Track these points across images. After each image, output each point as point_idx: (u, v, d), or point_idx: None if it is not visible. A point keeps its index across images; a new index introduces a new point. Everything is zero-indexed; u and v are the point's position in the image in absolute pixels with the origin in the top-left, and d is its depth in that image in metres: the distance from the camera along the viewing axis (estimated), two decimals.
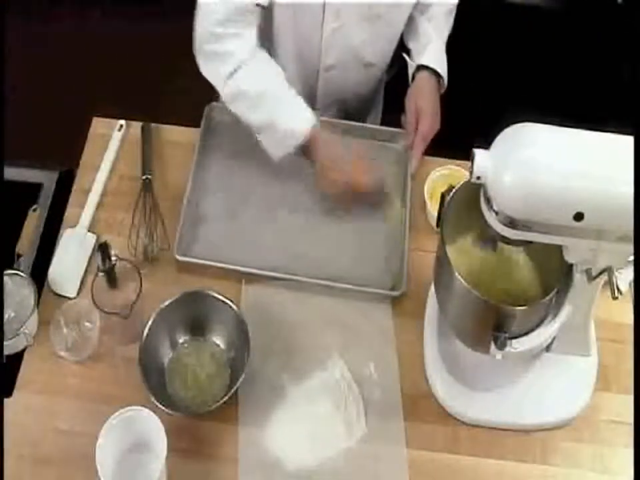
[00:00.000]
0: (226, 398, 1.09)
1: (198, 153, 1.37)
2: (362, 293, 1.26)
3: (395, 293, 1.26)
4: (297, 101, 1.29)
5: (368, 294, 1.26)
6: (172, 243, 1.28)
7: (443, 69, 1.41)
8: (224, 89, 1.29)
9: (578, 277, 1.01)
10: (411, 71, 1.43)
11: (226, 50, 1.26)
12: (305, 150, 1.29)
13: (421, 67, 1.41)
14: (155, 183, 1.36)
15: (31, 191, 1.41)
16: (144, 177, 1.35)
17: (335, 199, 1.33)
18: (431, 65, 1.40)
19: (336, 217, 1.35)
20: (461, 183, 1.04)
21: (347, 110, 1.55)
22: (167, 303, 1.16)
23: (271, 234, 1.32)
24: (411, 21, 1.44)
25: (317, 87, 1.46)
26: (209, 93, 1.55)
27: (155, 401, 1.08)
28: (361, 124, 1.47)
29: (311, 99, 1.47)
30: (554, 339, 1.12)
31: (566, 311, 1.05)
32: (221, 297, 1.17)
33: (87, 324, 1.19)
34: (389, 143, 1.43)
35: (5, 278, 1.19)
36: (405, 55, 1.44)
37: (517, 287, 1.10)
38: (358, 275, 1.28)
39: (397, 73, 1.55)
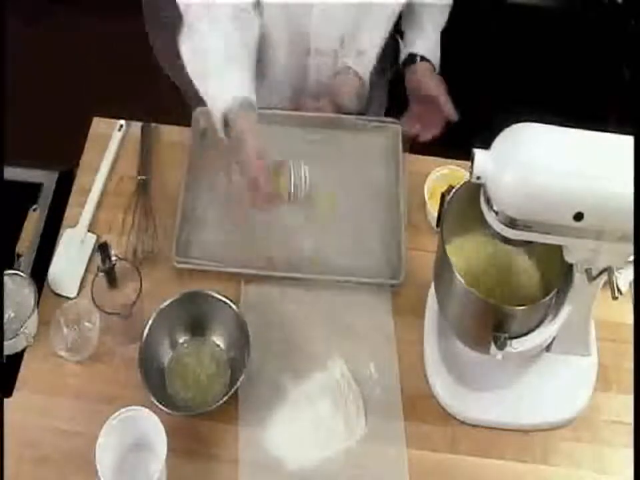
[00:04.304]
0: (226, 398, 1.09)
1: (190, 157, 1.36)
2: (362, 286, 1.26)
3: (395, 282, 1.26)
4: (229, 75, 1.21)
5: (368, 291, 1.26)
6: (163, 245, 1.28)
7: (436, 61, 1.41)
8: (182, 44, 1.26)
9: (578, 277, 1.01)
10: (403, 55, 1.43)
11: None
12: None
13: (418, 57, 1.40)
14: (155, 183, 1.36)
15: (31, 191, 1.41)
16: (139, 178, 1.35)
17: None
18: (428, 57, 1.39)
19: (331, 212, 1.35)
20: (461, 183, 1.04)
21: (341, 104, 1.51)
22: (166, 302, 1.16)
23: (269, 232, 1.32)
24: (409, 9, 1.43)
25: (308, 72, 1.44)
26: None
27: (155, 401, 1.07)
28: (352, 116, 1.44)
29: (301, 85, 1.47)
30: (554, 339, 1.11)
31: (566, 311, 1.05)
32: (220, 297, 1.17)
33: (87, 324, 1.19)
34: (381, 134, 1.42)
35: (5, 278, 1.19)
36: (398, 38, 1.44)
37: (518, 287, 1.10)
38: (357, 269, 1.28)
39: (397, 74, 1.54)
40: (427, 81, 1.40)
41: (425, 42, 1.42)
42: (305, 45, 1.39)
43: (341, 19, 1.35)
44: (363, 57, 1.43)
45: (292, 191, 1.15)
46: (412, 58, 1.41)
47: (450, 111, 1.38)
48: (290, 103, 1.51)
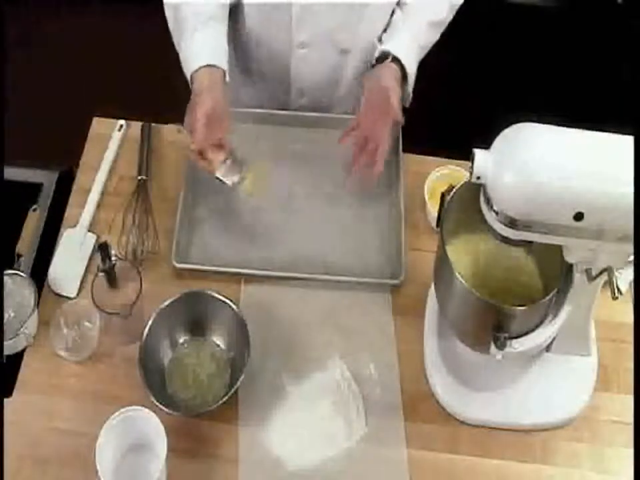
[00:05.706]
0: (226, 398, 1.09)
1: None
2: (362, 286, 1.26)
3: (395, 281, 1.26)
4: (208, 34, 1.24)
5: (368, 291, 1.26)
6: (163, 245, 1.28)
7: (410, 67, 1.31)
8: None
9: (578, 277, 1.01)
10: (377, 52, 1.34)
11: None
12: None
13: (390, 56, 1.31)
14: (154, 183, 1.36)
15: (31, 191, 1.41)
16: (139, 178, 1.35)
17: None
18: (400, 57, 1.30)
19: (330, 212, 1.35)
20: (461, 182, 1.04)
21: (322, 105, 1.50)
22: (166, 302, 1.16)
23: (269, 232, 1.32)
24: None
25: (290, 66, 1.42)
26: None
27: (155, 401, 1.07)
28: (351, 116, 1.42)
29: (285, 81, 1.46)
30: (554, 339, 1.12)
31: (566, 311, 1.05)
32: (220, 297, 1.17)
33: (87, 324, 1.19)
34: None
35: (5, 278, 1.19)
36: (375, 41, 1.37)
37: (517, 287, 1.10)
38: (357, 269, 1.28)
39: None
40: (385, 75, 1.30)
41: (399, 43, 1.32)
42: (288, 40, 1.37)
43: (322, 15, 1.33)
44: (347, 55, 1.41)
45: (224, 170, 1.23)
46: (384, 56, 1.32)
47: (397, 110, 1.28)
48: (278, 100, 1.51)
